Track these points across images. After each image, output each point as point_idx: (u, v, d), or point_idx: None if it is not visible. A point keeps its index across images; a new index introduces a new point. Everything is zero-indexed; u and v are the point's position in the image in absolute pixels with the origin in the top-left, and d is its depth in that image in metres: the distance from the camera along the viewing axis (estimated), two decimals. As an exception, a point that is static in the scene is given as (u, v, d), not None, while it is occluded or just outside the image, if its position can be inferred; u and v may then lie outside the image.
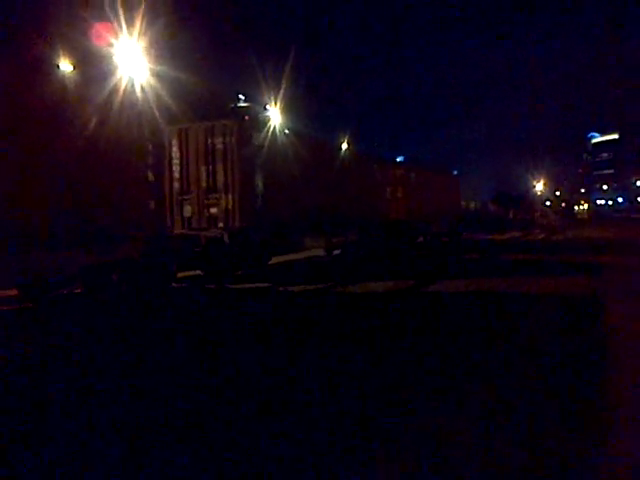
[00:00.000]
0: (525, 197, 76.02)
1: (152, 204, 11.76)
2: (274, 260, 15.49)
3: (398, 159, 41.04)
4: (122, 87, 11.21)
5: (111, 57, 11.47)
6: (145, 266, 11.42)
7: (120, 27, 12.19)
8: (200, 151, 14.22)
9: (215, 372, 5.40)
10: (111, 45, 11.80)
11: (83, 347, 6.89)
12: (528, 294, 9.73)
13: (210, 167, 14.18)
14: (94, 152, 10.57)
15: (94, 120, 10.59)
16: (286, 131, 16.80)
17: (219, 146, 14.17)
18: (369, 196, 22.20)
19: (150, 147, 11.86)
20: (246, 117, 21.84)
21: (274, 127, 16.21)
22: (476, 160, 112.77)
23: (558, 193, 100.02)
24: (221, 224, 13.98)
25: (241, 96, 35.34)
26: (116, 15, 11.99)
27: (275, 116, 16.95)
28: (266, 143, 15.40)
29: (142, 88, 11.79)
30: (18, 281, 10.67)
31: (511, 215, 68.85)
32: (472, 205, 64.82)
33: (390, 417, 4.05)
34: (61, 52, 11.08)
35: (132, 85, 11.35)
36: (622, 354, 5.56)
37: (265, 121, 16.58)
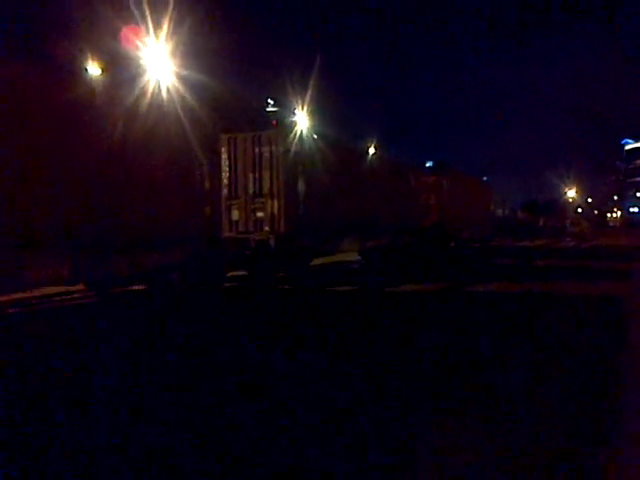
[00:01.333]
0: (556, 204, 76.27)
1: (208, 210, 12.90)
2: (314, 262, 16.65)
3: (427, 164, 42.06)
4: (174, 96, 12.33)
5: (150, 63, 12.35)
6: (201, 266, 12.63)
7: (157, 32, 12.76)
8: (248, 159, 15.32)
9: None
10: (140, 49, 12.51)
11: (150, 335, 8.03)
12: (565, 295, 10.70)
13: (257, 174, 15.26)
14: (159, 161, 11.76)
15: (158, 131, 11.79)
16: (315, 136, 17.69)
17: (266, 154, 15.23)
18: (402, 202, 23.18)
19: (207, 157, 13.03)
20: (274, 122, 22.80)
21: (302, 132, 17.14)
22: (507, 166, 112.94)
23: (590, 200, 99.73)
24: (267, 227, 15.07)
25: (270, 100, 36.10)
26: (146, 19, 12.87)
27: (303, 120, 17.37)
28: (303, 149, 16.45)
29: (189, 96, 13.10)
30: (88, 278, 11.87)
31: (541, 222, 69.03)
32: (501, 212, 65.26)
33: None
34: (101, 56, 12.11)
35: (183, 93, 12.62)
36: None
37: (293, 126, 17.04)
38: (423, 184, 24.90)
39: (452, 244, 25.12)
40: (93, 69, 11.19)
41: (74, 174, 10.02)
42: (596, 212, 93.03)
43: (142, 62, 12.42)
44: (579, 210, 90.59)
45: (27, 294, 10.96)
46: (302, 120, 17.08)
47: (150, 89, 11.85)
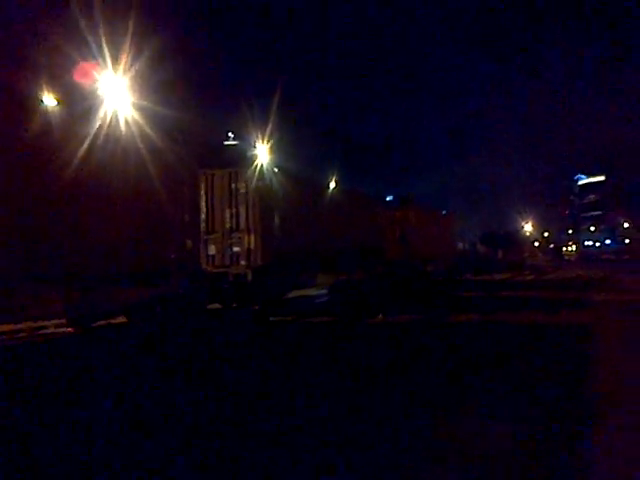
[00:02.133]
0: (514, 237, 78.49)
1: (189, 243, 13.35)
2: (290, 295, 17.21)
3: (387, 198, 43.31)
4: (142, 130, 12.80)
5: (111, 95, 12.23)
6: (183, 299, 13.01)
7: (114, 65, 12.78)
8: (224, 194, 15.88)
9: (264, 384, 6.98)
10: (96, 82, 12.51)
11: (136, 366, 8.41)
12: (534, 323, 11.59)
13: (233, 209, 15.81)
14: (141, 195, 12.20)
15: (140, 166, 12.27)
16: (275, 169, 18.23)
17: (242, 190, 15.85)
18: (371, 235, 24.01)
19: (187, 191, 13.53)
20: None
21: (274, 169, 17.73)
22: (463, 200, 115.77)
23: (547, 234, 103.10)
24: (243, 262, 15.54)
25: (230, 134, 36.69)
26: (103, 52, 12.87)
27: (263, 154, 17.60)
28: (277, 185, 17.06)
29: (173, 135, 13.65)
30: (68, 312, 12.08)
31: (500, 255, 70.88)
32: (460, 245, 66.96)
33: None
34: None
35: (164, 131, 13.19)
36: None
37: (254, 159, 17.21)
38: (390, 218, 25.82)
39: (419, 278, 26.01)
40: (49, 100, 11.08)
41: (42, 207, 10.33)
42: (552, 246, 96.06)
43: (100, 94, 12.38)
44: (536, 244, 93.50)
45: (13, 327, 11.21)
46: (262, 154, 17.29)
47: (112, 123, 12.28)
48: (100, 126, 11.39)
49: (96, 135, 11.23)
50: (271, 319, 13.75)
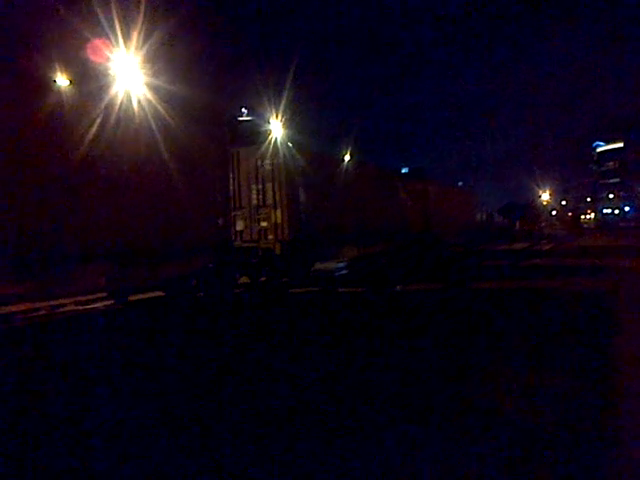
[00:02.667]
0: (531, 207, 78.47)
1: (221, 220, 13.94)
2: (315, 268, 17.85)
3: (403, 170, 43.65)
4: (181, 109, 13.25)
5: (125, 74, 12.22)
6: (216, 274, 13.68)
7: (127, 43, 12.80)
8: (251, 171, 16.45)
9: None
10: (109, 60, 12.46)
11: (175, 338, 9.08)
12: (555, 289, 12.16)
13: (260, 185, 16.38)
14: (176, 175, 12.79)
15: (169, 144, 12.84)
16: (289, 144, 18.51)
17: (268, 167, 16.40)
18: (392, 208, 24.47)
19: (218, 170, 14.09)
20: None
21: (276, 140, 17.91)
22: (481, 171, 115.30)
23: (564, 203, 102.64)
24: (271, 236, 16.16)
25: (244, 110, 36.84)
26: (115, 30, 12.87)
27: (278, 129, 17.76)
28: (302, 161, 17.51)
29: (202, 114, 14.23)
30: (109, 286, 12.80)
31: (517, 226, 70.93)
32: (479, 217, 67.03)
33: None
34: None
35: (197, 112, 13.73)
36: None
37: (268, 134, 17.37)
38: (411, 191, 26.23)
39: (440, 249, 26.57)
40: (62, 80, 11.07)
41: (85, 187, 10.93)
42: (570, 214, 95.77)
43: (113, 73, 12.37)
44: (553, 213, 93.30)
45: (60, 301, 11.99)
46: (277, 129, 17.51)
47: (138, 102, 12.76)
48: (125, 106, 11.89)
49: (127, 115, 11.77)
50: (298, 290, 14.42)
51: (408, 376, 5.71)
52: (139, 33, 13.41)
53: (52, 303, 12.00)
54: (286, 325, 9.38)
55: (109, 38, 12.87)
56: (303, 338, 8.06)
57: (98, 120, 11.42)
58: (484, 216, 75.78)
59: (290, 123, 18.48)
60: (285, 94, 20.26)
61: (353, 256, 20.19)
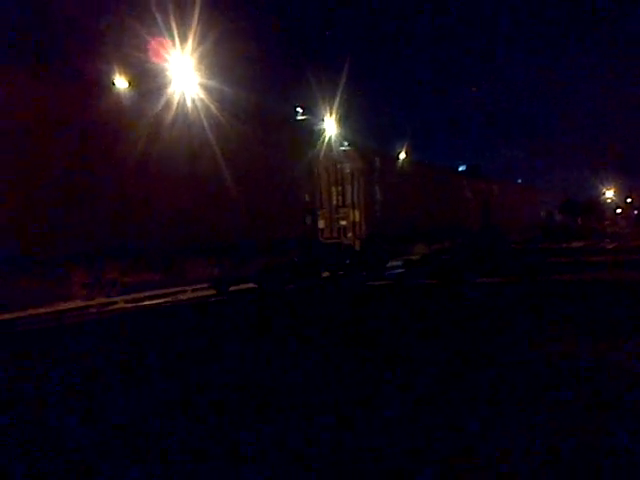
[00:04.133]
0: (594, 205, 77.51)
1: (309, 219, 15.66)
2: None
3: (460, 168, 44.48)
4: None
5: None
6: (304, 267, 15.43)
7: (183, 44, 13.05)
8: (330, 174, 18.09)
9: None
10: (167, 61, 12.77)
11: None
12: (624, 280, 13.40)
13: (339, 187, 18.01)
14: (271, 178, 14.51)
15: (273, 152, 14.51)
16: (345, 143, 19.31)
17: (347, 170, 18.01)
18: (457, 208, 25.74)
19: (305, 173, 15.80)
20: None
21: (330, 138, 18.07)
22: (541, 168, 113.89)
23: (630, 200, 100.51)
24: (350, 234, 17.81)
25: (298, 109, 38.19)
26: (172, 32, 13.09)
27: (332, 127, 18.36)
28: (378, 164, 18.99)
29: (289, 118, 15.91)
30: (210, 278, 14.57)
31: (579, 223, 70.21)
32: (542, 214, 66.81)
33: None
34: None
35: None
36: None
37: (321, 133, 17.94)
38: (475, 190, 27.41)
39: (503, 247, 27.73)
40: (120, 82, 11.38)
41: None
42: (636, 212, 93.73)
43: (168, 75, 12.71)
44: (618, 210, 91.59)
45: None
46: (330, 127, 18.14)
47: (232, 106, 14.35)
48: (208, 112, 12.93)
49: (218, 122, 13.16)
50: (375, 283, 16.02)
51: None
52: (195, 34, 13.87)
53: (171, 290, 13.90)
54: (385, 311, 10.92)
55: (167, 39, 13.34)
56: (401, 325, 9.56)
57: (204, 127, 13.11)
58: (544, 213, 75.16)
59: (345, 121, 18.78)
60: (339, 92, 20.37)
61: (423, 252, 21.66)
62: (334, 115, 18.47)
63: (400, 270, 19.18)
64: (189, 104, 12.62)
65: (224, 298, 14.36)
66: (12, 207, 8.76)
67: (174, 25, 13.56)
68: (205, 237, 12.74)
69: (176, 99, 12.28)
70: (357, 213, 17.77)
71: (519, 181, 71.46)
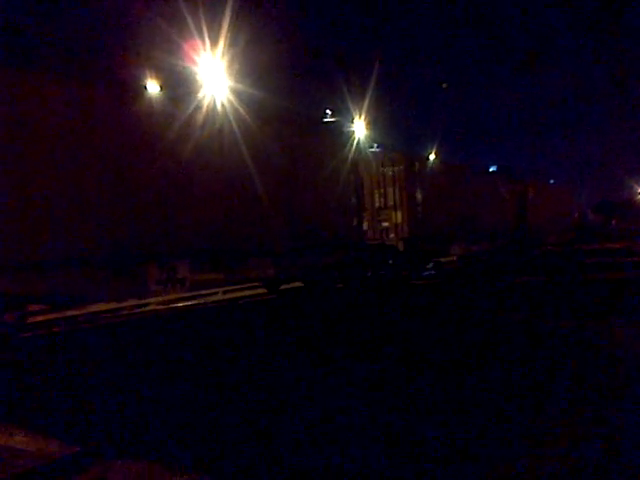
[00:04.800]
0: (629, 205, 76.77)
1: (355, 220, 16.39)
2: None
3: (491, 169, 44.76)
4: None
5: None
6: (350, 267, 16.18)
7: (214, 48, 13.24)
8: (372, 176, 18.80)
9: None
10: (198, 64, 12.94)
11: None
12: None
13: (382, 190, 18.72)
14: (322, 182, 15.20)
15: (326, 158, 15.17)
16: (375, 145, 19.66)
17: (389, 173, 18.70)
18: (493, 209, 26.23)
19: (352, 177, 16.50)
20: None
21: (358, 140, 18.16)
22: (572, 168, 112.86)
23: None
24: (392, 235, 18.50)
25: (328, 111, 38.65)
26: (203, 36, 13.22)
27: (361, 129, 18.68)
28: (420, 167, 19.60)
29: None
30: (262, 278, 15.35)
31: (614, 224, 69.68)
32: (576, 214, 66.62)
33: None
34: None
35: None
36: None
37: (351, 134, 18.05)
38: (510, 192, 27.82)
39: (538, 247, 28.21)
40: (152, 86, 11.51)
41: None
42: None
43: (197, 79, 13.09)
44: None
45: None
46: (360, 129, 18.47)
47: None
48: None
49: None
50: (418, 282, 16.73)
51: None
52: (226, 38, 14.27)
53: (229, 288, 14.80)
54: (436, 305, 11.69)
55: (199, 42, 13.74)
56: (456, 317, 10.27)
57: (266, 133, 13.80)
58: (577, 214, 74.75)
59: (374, 123, 19.04)
60: (369, 94, 20.55)
61: (461, 253, 22.24)
62: (363, 117, 18.93)
63: (440, 270, 19.80)
64: (231, 108, 12.75)
65: (274, 297, 15.17)
66: (103, 212, 9.62)
67: (205, 29, 13.84)
68: (259, 239, 13.46)
69: (219, 104, 12.43)
70: (399, 215, 18.43)
71: (552, 182, 71.19)
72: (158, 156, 10.42)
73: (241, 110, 12.75)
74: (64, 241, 9.00)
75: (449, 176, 22.46)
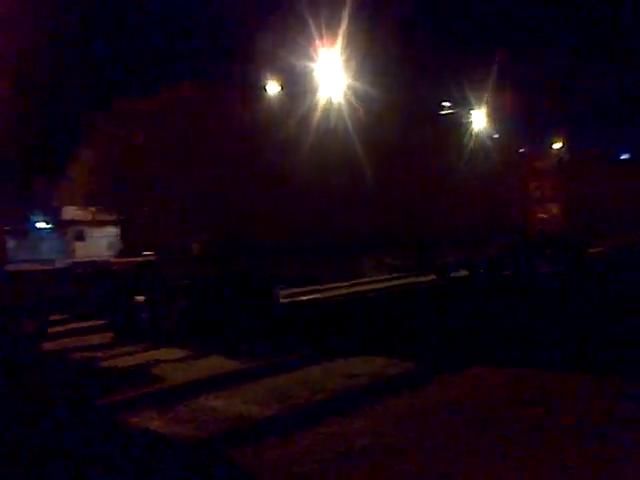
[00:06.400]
0: None
1: (519, 214, 17.85)
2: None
3: (622, 157, 41.90)
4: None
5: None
6: (512, 257, 17.66)
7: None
8: (523, 170, 20.01)
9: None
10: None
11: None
12: None
13: (536, 182, 20.01)
14: (493, 178, 16.64)
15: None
16: (496, 136, 18.95)
17: (539, 167, 19.95)
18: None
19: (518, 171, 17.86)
20: None
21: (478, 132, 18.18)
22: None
23: None
24: (549, 226, 19.68)
25: (445, 103, 38.20)
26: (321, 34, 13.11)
27: (480, 120, 18.31)
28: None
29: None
30: (436, 267, 17.09)
31: None
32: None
33: None
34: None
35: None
36: None
37: (469, 126, 18.01)
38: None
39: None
40: (272, 87, 11.81)
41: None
42: None
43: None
44: None
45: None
46: (479, 120, 18.15)
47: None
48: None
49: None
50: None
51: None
52: (346, 37, 13.68)
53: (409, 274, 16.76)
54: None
55: (317, 41, 13.32)
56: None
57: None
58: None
59: (493, 114, 18.43)
60: (489, 83, 19.66)
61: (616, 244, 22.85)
62: (484, 108, 18.48)
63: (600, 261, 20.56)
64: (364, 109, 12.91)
65: (443, 283, 16.84)
66: (321, 215, 11.89)
67: (324, 26, 13.58)
68: (443, 231, 15.06)
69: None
70: (555, 207, 19.59)
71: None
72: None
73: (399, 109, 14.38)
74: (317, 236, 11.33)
75: (594, 167, 22.78)
